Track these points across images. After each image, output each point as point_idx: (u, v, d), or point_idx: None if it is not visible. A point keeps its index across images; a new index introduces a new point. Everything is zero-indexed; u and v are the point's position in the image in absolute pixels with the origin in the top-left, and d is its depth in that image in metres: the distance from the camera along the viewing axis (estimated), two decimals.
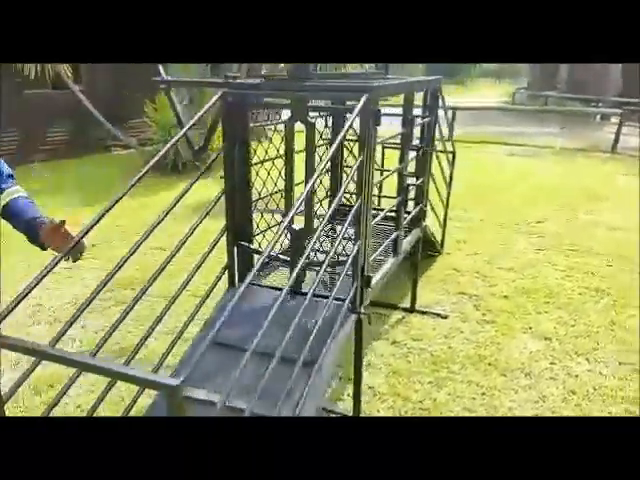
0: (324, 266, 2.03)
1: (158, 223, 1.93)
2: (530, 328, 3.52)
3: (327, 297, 2.36)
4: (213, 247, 2.37)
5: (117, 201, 1.79)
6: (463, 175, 8.13)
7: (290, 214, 2.28)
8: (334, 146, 1.99)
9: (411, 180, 3.34)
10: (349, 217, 2.21)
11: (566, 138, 11.11)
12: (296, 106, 2.18)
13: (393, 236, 2.90)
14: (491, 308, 3.80)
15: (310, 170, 2.24)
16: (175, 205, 2.06)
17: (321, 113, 2.77)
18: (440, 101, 3.31)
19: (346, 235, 2.32)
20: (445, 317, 3.68)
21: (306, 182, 2.31)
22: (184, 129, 2.04)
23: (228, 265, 2.53)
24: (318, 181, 2.34)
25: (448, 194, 4.71)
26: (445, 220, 4.77)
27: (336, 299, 2.36)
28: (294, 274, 2.33)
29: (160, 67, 2.30)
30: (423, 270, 4.42)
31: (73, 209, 5.80)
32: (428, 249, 4.59)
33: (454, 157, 4.62)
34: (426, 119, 3.23)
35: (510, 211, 6.21)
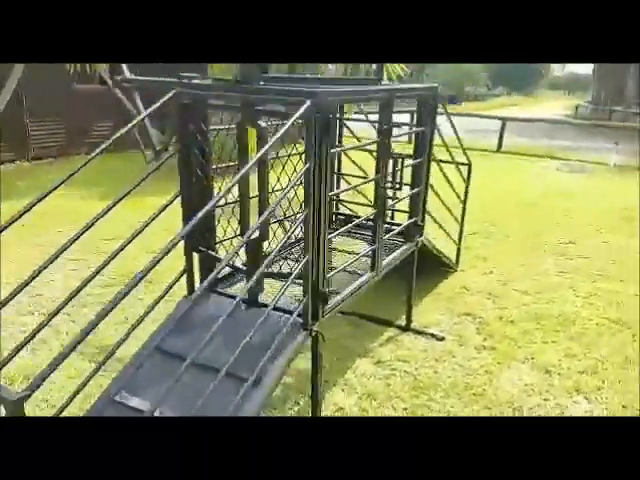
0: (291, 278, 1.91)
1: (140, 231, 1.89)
2: (532, 358, 3.22)
3: (288, 312, 2.25)
4: (166, 253, 2.28)
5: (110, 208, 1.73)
6: (499, 187, 7.82)
7: (258, 224, 2.19)
8: (259, 154, 1.86)
9: (409, 190, 3.16)
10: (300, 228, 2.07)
11: (623, 155, 10.39)
12: (244, 110, 2.07)
13: (368, 250, 2.72)
14: (494, 333, 3.52)
15: (261, 178, 2.12)
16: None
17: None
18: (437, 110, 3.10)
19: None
20: (441, 339, 3.44)
21: (259, 190, 2.21)
22: (127, 127, 1.97)
23: (186, 271, 2.44)
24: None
25: (463, 209, 4.46)
26: (460, 236, 4.51)
27: (288, 312, 2.23)
28: (249, 284, 2.23)
29: (124, 66, 2.26)
30: (430, 287, 4.20)
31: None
32: (440, 265, 4.37)
33: (469, 170, 4.37)
34: (419, 129, 3.03)
35: (542, 228, 5.83)
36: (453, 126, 3.68)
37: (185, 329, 2.28)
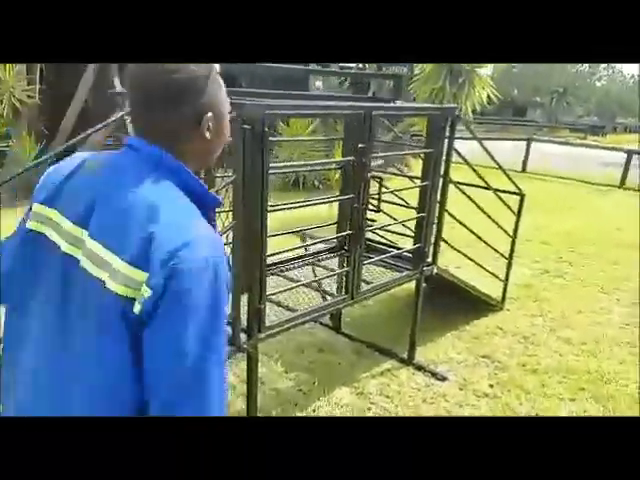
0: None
1: None
2: (534, 415, 2.84)
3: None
4: None
5: None
6: (606, 224, 6.98)
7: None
8: None
9: (410, 215, 3.00)
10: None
11: None
12: None
13: (340, 271, 2.62)
14: (506, 381, 3.16)
15: None
16: None
17: None
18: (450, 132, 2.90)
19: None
20: (443, 379, 3.17)
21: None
22: (76, 139, 2.13)
23: None
24: None
25: (512, 242, 4.09)
26: (508, 272, 4.14)
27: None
28: None
29: (116, 79, 2.42)
30: (460, 323, 3.90)
31: None
32: (481, 301, 4.03)
33: (522, 200, 4.00)
34: (426, 150, 2.86)
35: (630, 275, 5.11)
36: (485, 150, 3.40)
37: None
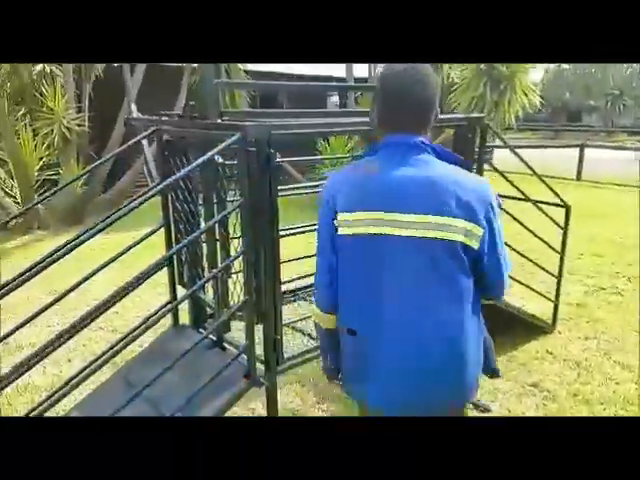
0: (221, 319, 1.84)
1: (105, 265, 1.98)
2: None
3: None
4: (142, 280, 2.33)
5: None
6: None
7: (228, 262, 2.15)
8: (158, 186, 1.80)
9: None
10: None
11: None
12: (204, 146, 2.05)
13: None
14: (555, 413, 2.88)
15: (208, 217, 2.07)
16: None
17: None
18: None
19: None
20: (485, 410, 2.93)
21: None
22: (99, 161, 2.10)
23: (169, 302, 2.47)
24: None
25: (561, 259, 3.80)
26: (558, 291, 3.84)
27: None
28: (215, 324, 2.19)
29: (133, 105, 2.39)
30: (507, 348, 3.63)
31: None
32: (529, 324, 3.75)
33: (567, 213, 3.72)
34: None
35: None
36: (519, 157, 3.16)
37: (156, 361, 2.30)
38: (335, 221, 1.35)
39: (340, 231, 1.35)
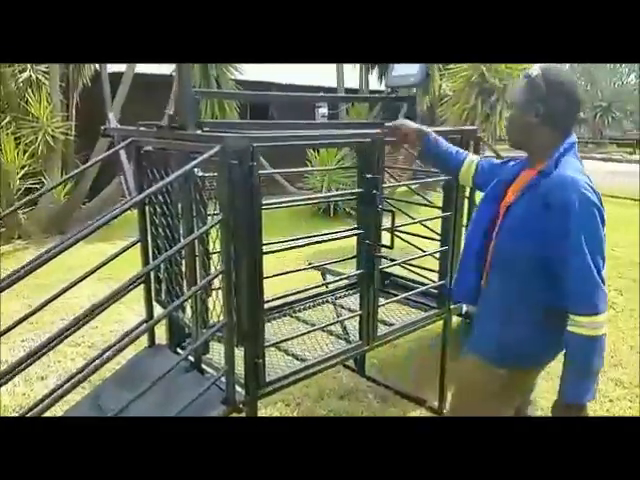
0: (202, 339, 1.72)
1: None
2: None
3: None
4: (117, 297, 2.20)
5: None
6: (631, 241, 6.36)
7: (205, 281, 2.05)
8: (134, 199, 1.69)
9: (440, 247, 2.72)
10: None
11: None
12: (183, 158, 1.95)
13: (347, 316, 2.35)
14: None
15: (187, 232, 1.97)
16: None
17: None
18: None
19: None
20: None
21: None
22: (67, 175, 1.98)
23: (145, 321, 2.35)
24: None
25: None
26: None
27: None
28: (194, 345, 2.07)
29: (111, 115, 2.30)
30: None
31: None
32: None
33: None
34: (446, 177, 2.60)
35: None
36: None
37: (129, 384, 2.18)
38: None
39: None
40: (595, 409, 3.01)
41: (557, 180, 1.53)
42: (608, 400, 3.12)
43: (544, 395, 3.13)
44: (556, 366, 3.36)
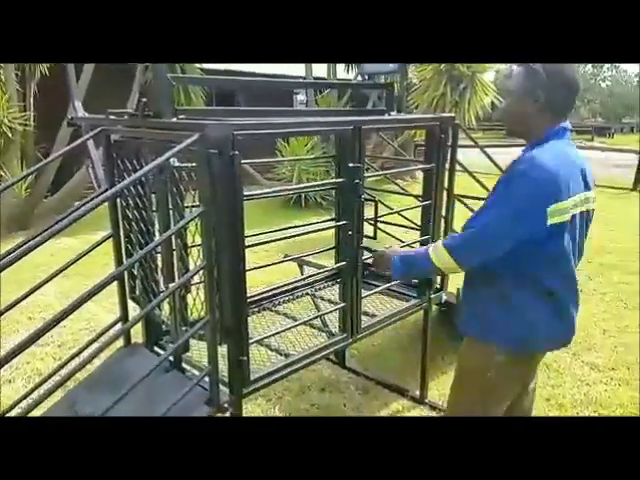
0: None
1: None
2: None
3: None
4: (92, 295, 2.10)
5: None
6: (597, 226, 6.47)
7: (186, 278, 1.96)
8: (105, 193, 1.59)
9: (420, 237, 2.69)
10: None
11: None
12: (158, 147, 1.85)
13: (331, 309, 2.31)
14: None
15: (163, 226, 1.88)
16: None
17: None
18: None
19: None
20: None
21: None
22: (31, 170, 1.86)
23: (120, 320, 2.25)
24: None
25: None
26: None
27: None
28: (175, 345, 1.98)
29: (77, 103, 2.18)
30: None
31: None
32: None
33: None
34: (426, 166, 2.57)
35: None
36: (489, 157, 3.07)
37: (106, 387, 2.07)
38: (545, 211, 1.49)
39: (556, 219, 1.51)
40: (573, 393, 3.06)
41: (521, 159, 1.59)
42: (585, 384, 3.17)
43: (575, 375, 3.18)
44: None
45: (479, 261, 1.64)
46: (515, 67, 1.63)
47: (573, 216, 1.57)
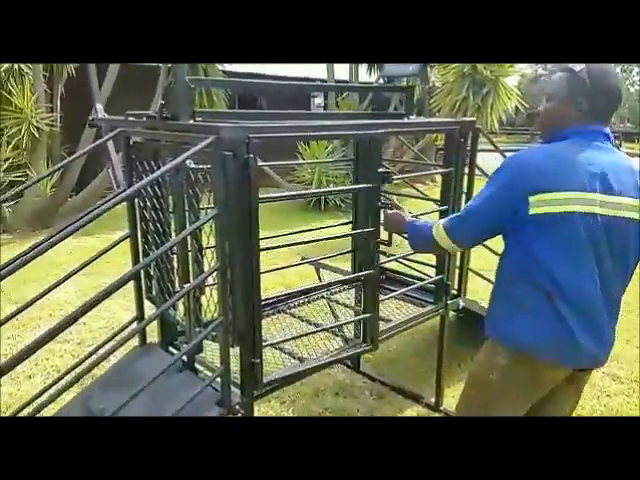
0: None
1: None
2: None
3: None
4: (108, 294, 2.12)
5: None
6: None
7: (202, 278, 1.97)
8: (123, 193, 1.61)
9: None
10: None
11: None
12: (176, 150, 1.86)
13: (350, 320, 2.28)
14: None
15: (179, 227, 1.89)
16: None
17: None
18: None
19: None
20: None
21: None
22: (53, 168, 1.89)
23: (136, 319, 2.27)
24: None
25: None
26: None
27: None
28: (188, 346, 1.99)
29: (98, 105, 2.21)
30: None
31: None
32: None
33: None
34: (445, 170, 2.54)
35: None
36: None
37: (120, 386, 2.10)
38: (526, 199, 1.48)
39: (541, 210, 1.47)
40: (593, 404, 2.99)
41: None
42: (605, 395, 3.10)
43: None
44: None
45: (470, 242, 1.81)
46: (549, 67, 1.62)
47: (581, 215, 1.46)
